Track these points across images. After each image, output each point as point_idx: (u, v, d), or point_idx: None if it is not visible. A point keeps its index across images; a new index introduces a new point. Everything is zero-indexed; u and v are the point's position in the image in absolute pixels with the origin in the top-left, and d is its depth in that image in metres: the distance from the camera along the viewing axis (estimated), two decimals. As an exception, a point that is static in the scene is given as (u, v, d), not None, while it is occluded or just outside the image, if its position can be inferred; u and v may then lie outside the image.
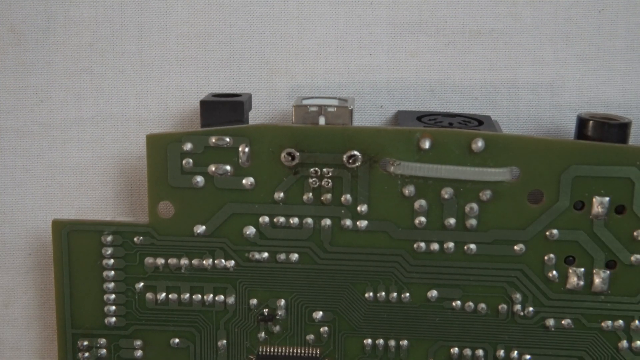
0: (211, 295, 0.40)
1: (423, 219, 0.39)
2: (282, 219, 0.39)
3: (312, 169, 0.38)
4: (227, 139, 0.38)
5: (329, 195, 0.39)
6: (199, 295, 0.40)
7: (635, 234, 0.38)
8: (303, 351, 0.41)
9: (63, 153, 0.45)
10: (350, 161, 0.38)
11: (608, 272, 0.38)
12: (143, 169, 0.43)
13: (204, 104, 0.40)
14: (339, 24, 0.43)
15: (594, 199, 0.38)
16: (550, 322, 0.39)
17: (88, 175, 0.45)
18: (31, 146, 0.45)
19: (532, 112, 0.44)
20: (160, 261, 0.40)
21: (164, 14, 0.43)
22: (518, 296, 0.39)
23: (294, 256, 0.40)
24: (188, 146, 0.39)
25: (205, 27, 0.43)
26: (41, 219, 0.45)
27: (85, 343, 0.42)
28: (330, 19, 0.43)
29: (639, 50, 0.43)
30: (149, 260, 0.40)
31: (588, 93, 0.43)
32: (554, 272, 0.39)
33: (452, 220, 0.39)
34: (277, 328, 0.41)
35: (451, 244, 0.39)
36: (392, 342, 0.40)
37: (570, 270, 0.39)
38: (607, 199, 0.38)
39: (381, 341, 0.40)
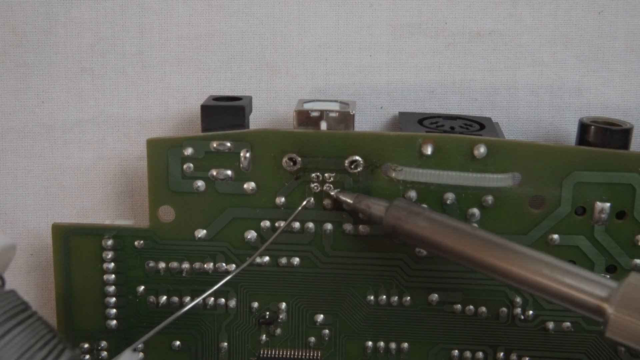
0: (212, 299, 0.40)
1: (424, 224, 0.39)
2: (283, 224, 0.39)
3: (313, 174, 0.38)
4: (228, 144, 0.38)
5: (330, 200, 0.39)
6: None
7: (636, 239, 0.38)
8: (304, 354, 0.41)
9: (64, 154, 0.45)
10: (352, 166, 0.38)
11: (609, 276, 0.38)
12: (144, 169, 0.42)
13: (204, 108, 0.40)
14: (339, 25, 0.43)
15: (595, 205, 0.38)
16: (550, 325, 0.39)
17: (89, 176, 0.45)
18: (32, 147, 0.45)
19: (531, 113, 0.44)
20: (161, 265, 0.40)
21: (165, 16, 0.43)
22: (518, 300, 0.39)
23: (296, 260, 0.40)
24: (189, 151, 0.39)
25: (206, 29, 0.43)
26: (42, 219, 0.45)
27: (86, 346, 0.42)
28: (330, 21, 0.43)
29: (638, 52, 0.43)
30: (149, 264, 0.40)
31: (588, 94, 0.43)
32: (555, 276, 0.39)
33: (453, 225, 0.39)
34: (278, 331, 0.41)
35: (452, 249, 0.39)
36: (392, 345, 0.40)
37: (571, 275, 0.39)
38: (608, 204, 0.38)
39: (382, 344, 0.41)
